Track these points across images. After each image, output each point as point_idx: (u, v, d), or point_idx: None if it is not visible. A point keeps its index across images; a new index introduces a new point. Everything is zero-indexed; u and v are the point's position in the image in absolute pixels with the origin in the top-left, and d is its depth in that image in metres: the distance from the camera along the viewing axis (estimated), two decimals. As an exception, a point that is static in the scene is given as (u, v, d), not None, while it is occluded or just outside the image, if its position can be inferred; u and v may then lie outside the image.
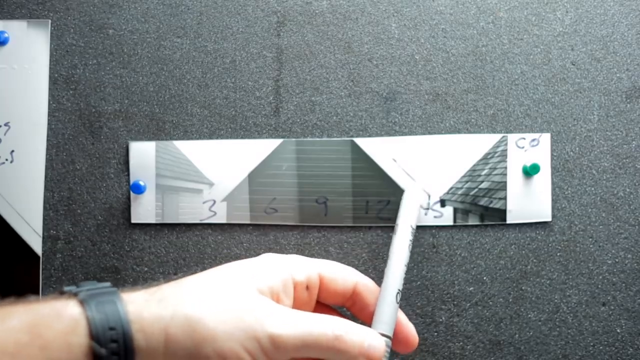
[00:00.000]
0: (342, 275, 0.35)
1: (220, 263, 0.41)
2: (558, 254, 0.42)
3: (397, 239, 0.37)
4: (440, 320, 0.41)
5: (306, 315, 0.31)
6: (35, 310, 0.26)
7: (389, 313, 0.34)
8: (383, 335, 0.34)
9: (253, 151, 0.42)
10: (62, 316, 0.26)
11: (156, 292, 0.29)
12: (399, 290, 0.35)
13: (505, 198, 0.41)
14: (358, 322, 0.34)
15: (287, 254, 0.41)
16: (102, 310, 0.27)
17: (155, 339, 0.27)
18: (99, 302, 0.27)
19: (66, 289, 0.29)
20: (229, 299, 0.29)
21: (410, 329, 0.36)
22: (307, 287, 0.34)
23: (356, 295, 0.35)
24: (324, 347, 0.30)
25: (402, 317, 0.36)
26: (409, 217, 0.37)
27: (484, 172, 0.42)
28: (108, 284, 0.30)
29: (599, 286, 0.41)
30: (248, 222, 0.42)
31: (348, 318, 0.36)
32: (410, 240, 0.37)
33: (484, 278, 0.42)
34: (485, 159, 0.42)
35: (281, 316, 0.30)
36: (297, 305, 0.34)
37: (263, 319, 0.29)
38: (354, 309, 0.36)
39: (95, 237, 0.42)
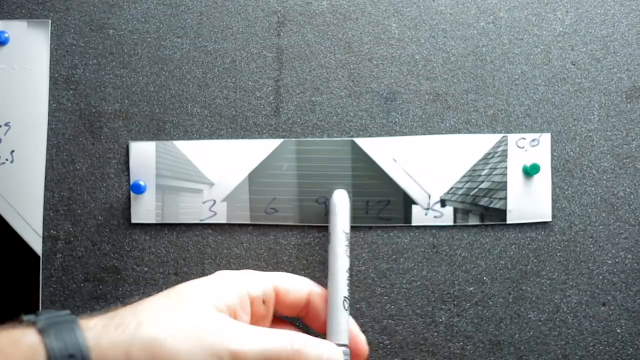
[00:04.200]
0: (296, 286, 0.36)
1: (221, 263, 0.42)
2: (558, 254, 0.42)
3: (333, 248, 0.37)
4: (440, 320, 0.41)
5: (265, 331, 0.31)
6: None
7: (340, 322, 0.35)
8: (340, 345, 0.35)
9: (253, 151, 0.42)
10: (20, 344, 0.26)
11: (114, 317, 0.29)
12: (345, 297, 0.36)
13: (505, 198, 0.41)
14: (311, 333, 0.35)
15: (287, 254, 0.42)
16: (60, 338, 0.27)
17: None
18: (58, 329, 0.27)
19: (25, 318, 0.29)
20: (187, 318, 0.29)
21: (360, 340, 0.36)
22: (264, 301, 0.34)
23: (309, 305, 0.36)
24: None
25: (354, 328, 0.37)
26: (340, 223, 0.37)
27: (484, 172, 0.42)
28: (67, 312, 0.30)
29: (599, 286, 0.41)
30: (248, 222, 0.42)
31: (303, 331, 0.36)
32: (347, 246, 0.37)
33: (484, 278, 0.42)
34: (486, 159, 0.42)
35: (241, 332, 0.30)
36: (255, 320, 0.34)
37: (223, 336, 0.29)
38: (307, 319, 0.37)
39: (95, 237, 0.42)
